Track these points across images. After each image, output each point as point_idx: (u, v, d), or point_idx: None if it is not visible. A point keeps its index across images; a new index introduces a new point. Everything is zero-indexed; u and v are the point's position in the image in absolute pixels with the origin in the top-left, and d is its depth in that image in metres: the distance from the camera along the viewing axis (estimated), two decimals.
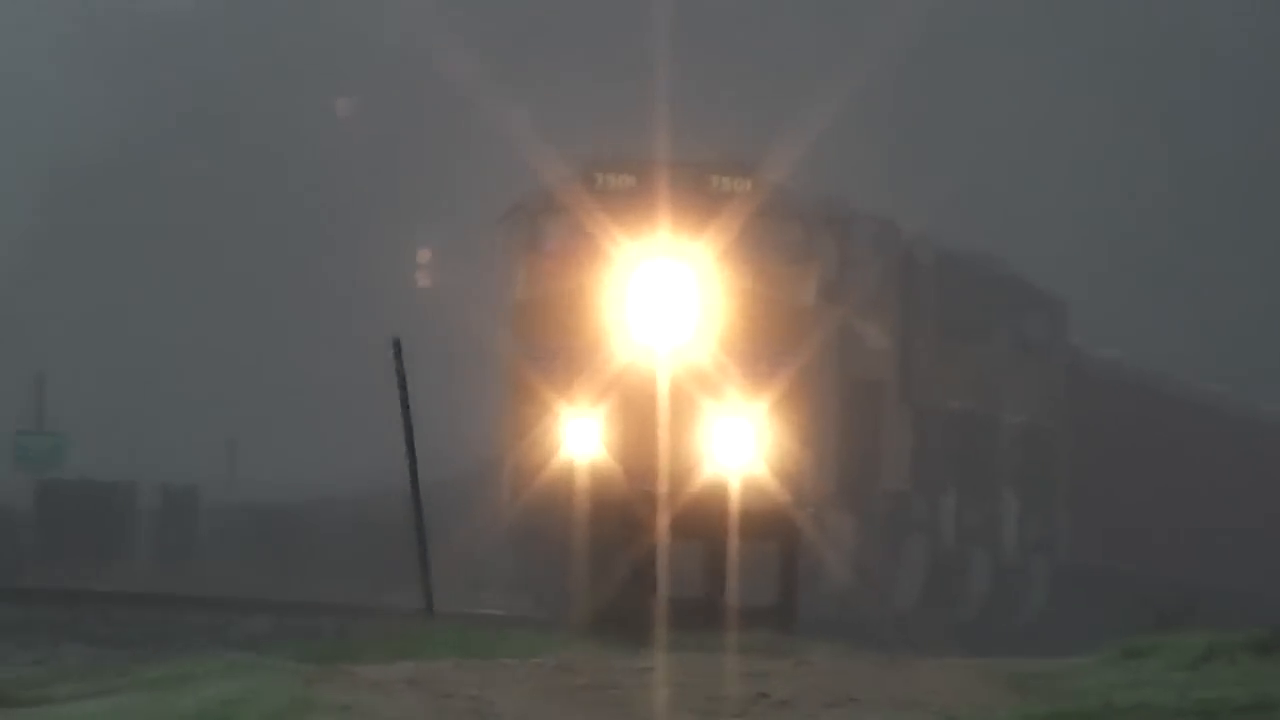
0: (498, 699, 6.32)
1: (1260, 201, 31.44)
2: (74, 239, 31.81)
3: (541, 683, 6.71)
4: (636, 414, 15.39)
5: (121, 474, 19.81)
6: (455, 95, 28.22)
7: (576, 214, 16.02)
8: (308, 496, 20.93)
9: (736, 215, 15.85)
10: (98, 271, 31.34)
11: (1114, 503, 20.52)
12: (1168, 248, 31.21)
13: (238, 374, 29.78)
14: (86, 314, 30.83)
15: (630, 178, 16.13)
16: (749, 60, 29.93)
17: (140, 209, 31.42)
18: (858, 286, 16.58)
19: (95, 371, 28.60)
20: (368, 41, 32.05)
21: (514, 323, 16.36)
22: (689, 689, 6.61)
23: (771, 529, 9.81)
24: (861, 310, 16.68)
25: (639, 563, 9.35)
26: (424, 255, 31.39)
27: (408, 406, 9.14)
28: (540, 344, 16.00)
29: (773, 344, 15.84)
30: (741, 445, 15.53)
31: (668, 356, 15.73)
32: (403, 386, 9.13)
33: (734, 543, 9.33)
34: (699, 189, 15.95)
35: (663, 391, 15.26)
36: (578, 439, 15.73)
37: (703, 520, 9.58)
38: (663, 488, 11.00)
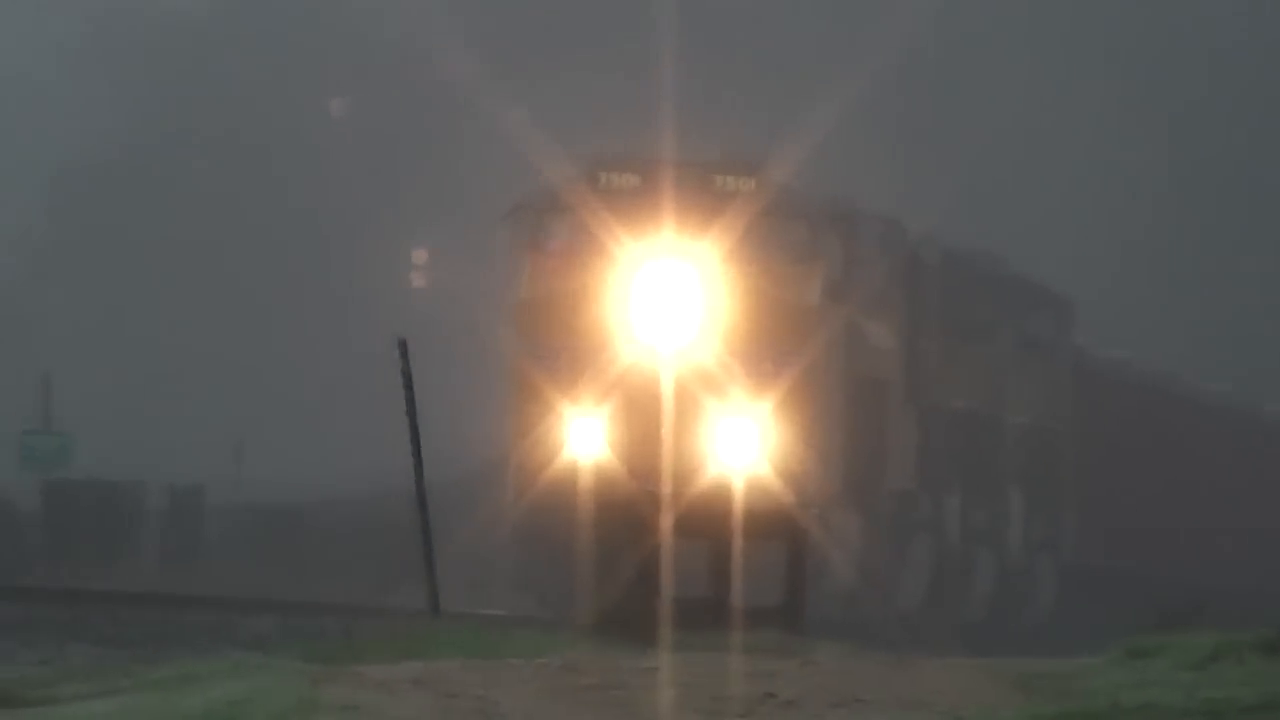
0: (503, 699, 6.31)
1: (1266, 201, 31.40)
2: (81, 240, 31.84)
3: (547, 683, 6.70)
4: (641, 414, 15.38)
5: (128, 474, 19.80)
6: (459, 95, 28.22)
7: (580, 213, 16.01)
8: (314, 496, 20.94)
9: (741, 214, 15.85)
10: (104, 272, 31.37)
11: (1120, 502, 20.49)
12: (1174, 247, 31.17)
13: (244, 374, 29.80)
14: (93, 314, 30.86)
15: (634, 177, 16.12)
16: (754, 59, 29.92)
17: (147, 210, 31.44)
18: (863, 286, 16.56)
19: (102, 371, 28.63)
20: (372, 42, 32.06)
21: (518, 322, 16.37)
22: (695, 689, 6.60)
23: (777, 529, 9.80)
24: (866, 310, 16.66)
25: (643, 563, 9.34)
26: (420, 255, 31.42)
27: (413, 406, 9.13)
28: (544, 343, 16.00)
29: (777, 343, 15.83)
30: (746, 445, 15.52)
31: (672, 356, 15.72)
32: (408, 387, 9.12)
33: (738, 543, 9.31)
34: (703, 188, 15.94)
35: (667, 391, 15.25)
36: (582, 439, 15.72)
37: (707, 520, 9.57)
38: (667, 488, 10.99)
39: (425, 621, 9.12)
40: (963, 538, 18.17)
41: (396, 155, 31.54)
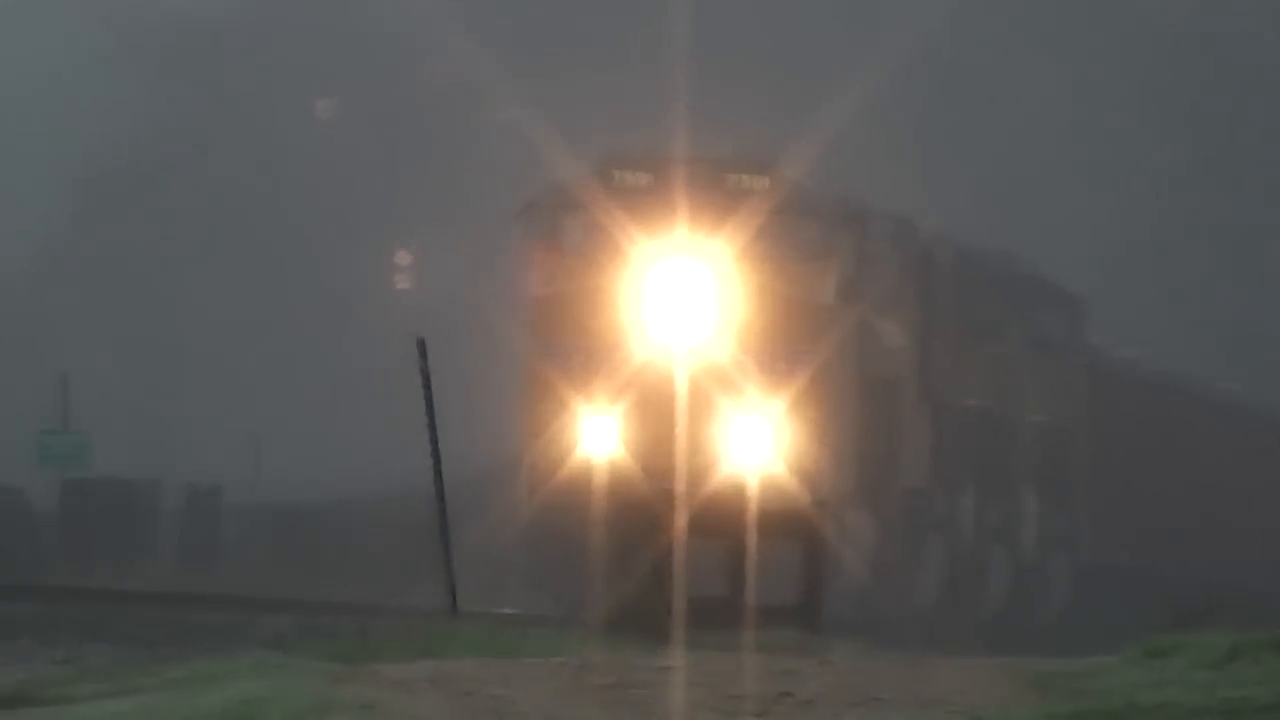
0: (520, 698, 6.32)
1: None
2: (99, 240, 31.94)
3: (564, 682, 6.71)
4: (654, 412, 15.39)
5: (145, 473, 19.79)
6: (473, 94, 28.22)
7: (593, 211, 16.02)
8: (331, 496, 20.96)
9: (754, 213, 15.85)
10: (122, 271, 31.47)
11: (1134, 501, 20.45)
12: (1188, 246, 31.08)
13: (261, 374, 29.86)
14: (111, 313, 30.95)
15: (647, 175, 16.13)
16: (767, 56, 29.89)
17: (165, 210, 31.53)
18: (876, 284, 16.55)
19: (120, 371, 28.71)
20: (387, 42, 32.11)
21: (531, 320, 16.38)
22: (711, 688, 6.61)
23: (792, 528, 9.80)
24: (880, 308, 16.65)
25: (658, 561, 9.34)
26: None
27: (432, 406, 9.15)
28: (558, 342, 16.02)
29: (790, 342, 15.83)
30: (759, 443, 15.52)
31: (686, 354, 15.72)
32: (427, 386, 9.13)
33: (752, 541, 9.32)
34: (716, 186, 15.94)
35: (681, 390, 15.25)
36: (596, 437, 15.74)
37: (721, 519, 9.57)
38: (681, 486, 10.99)
39: (442, 620, 9.14)
40: (977, 536, 18.14)
41: (411, 154, 31.59)
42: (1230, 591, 14.49)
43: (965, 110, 31.17)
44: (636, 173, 16.19)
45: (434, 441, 9.19)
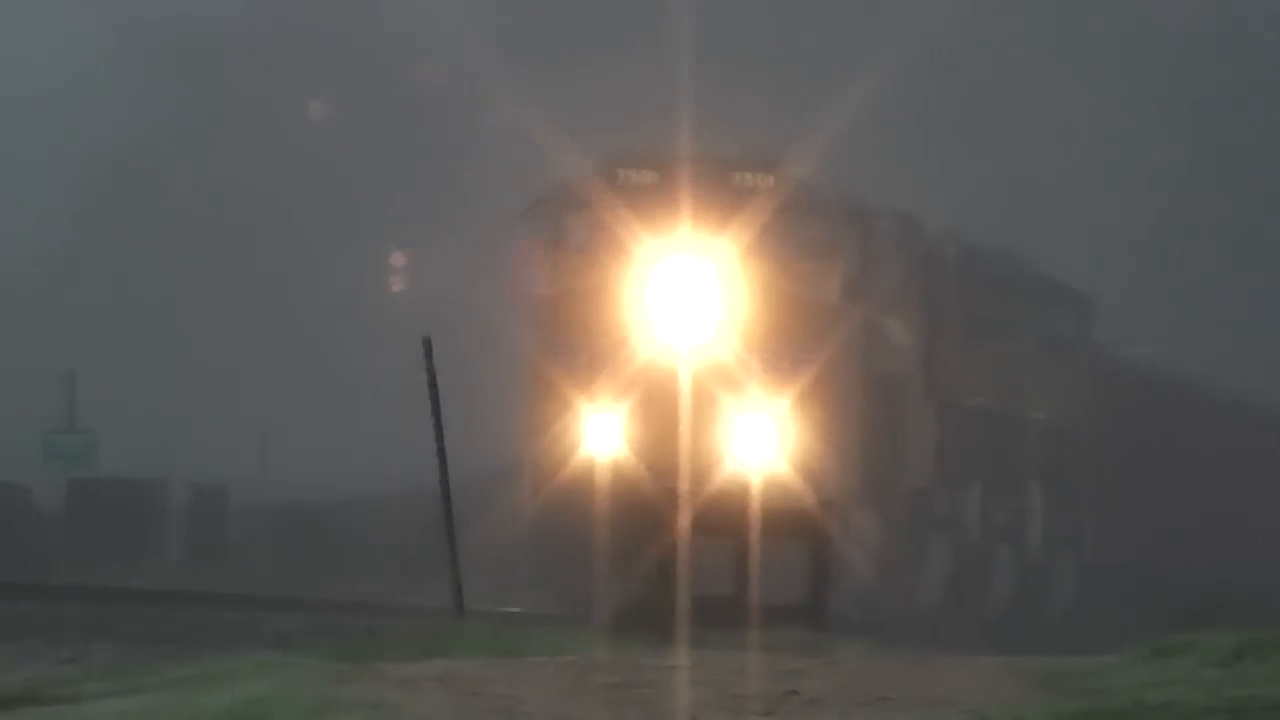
0: (527, 697, 6.32)
1: None
2: (105, 238, 31.96)
3: (570, 681, 6.71)
4: (658, 411, 15.39)
5: (152, 472, 19.82)
6: (478, 92, 28.20)
7: (598, 210, 16.01)
8: (337, 495, 20.96)
9: (759, 211, 15.85)
10: (128, 270, 31.48)
11: (1140, 500, 20.42)
12: (1195, 244, 31.04)
13: (268, 373, 29.88)
14: (117, 312, 30.97)
15: (652, 173, 16.12)
16: (772, 54, 29.87)
17: (171, 209, 31.54)
18: (881, 283, 16.54)
19: (126, 370, 28.72)
20: (392, 41, 32.11)
21: (535, 319, 16.37)
22: (718, 687, 6.60)
23: (796, 527, 9.79)
24: (885, 307, 16.64)
25: (662, 560, 9.34)
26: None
27: (438, 406, 9.14)
28: (562, 340, 16.02)
29: (795, 340, 15.82)
30: (763, 442, 15.51)
31: (690, 353, 15.71)
32: (433, 385, 9.13)
33: (756, 540, 9.31)
34: (721, 185, 15.94)
35: (685, 388, 15.24)
36: (600, 436, 15.73)
37: (726, 518, 9.56)
38: (685, 485, 10.98)
39: (448, 620, 9.14)
40: (982, 535, 18.13)
41: (416, 154, 31.59)
42: (1236, 590, 14.47)
43: (971, 108, 31.13)
44: (641, 171, 16.18)
45: (440, 440, 9.18)
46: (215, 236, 31.46)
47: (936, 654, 9.05)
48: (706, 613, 8.95)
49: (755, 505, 9.70)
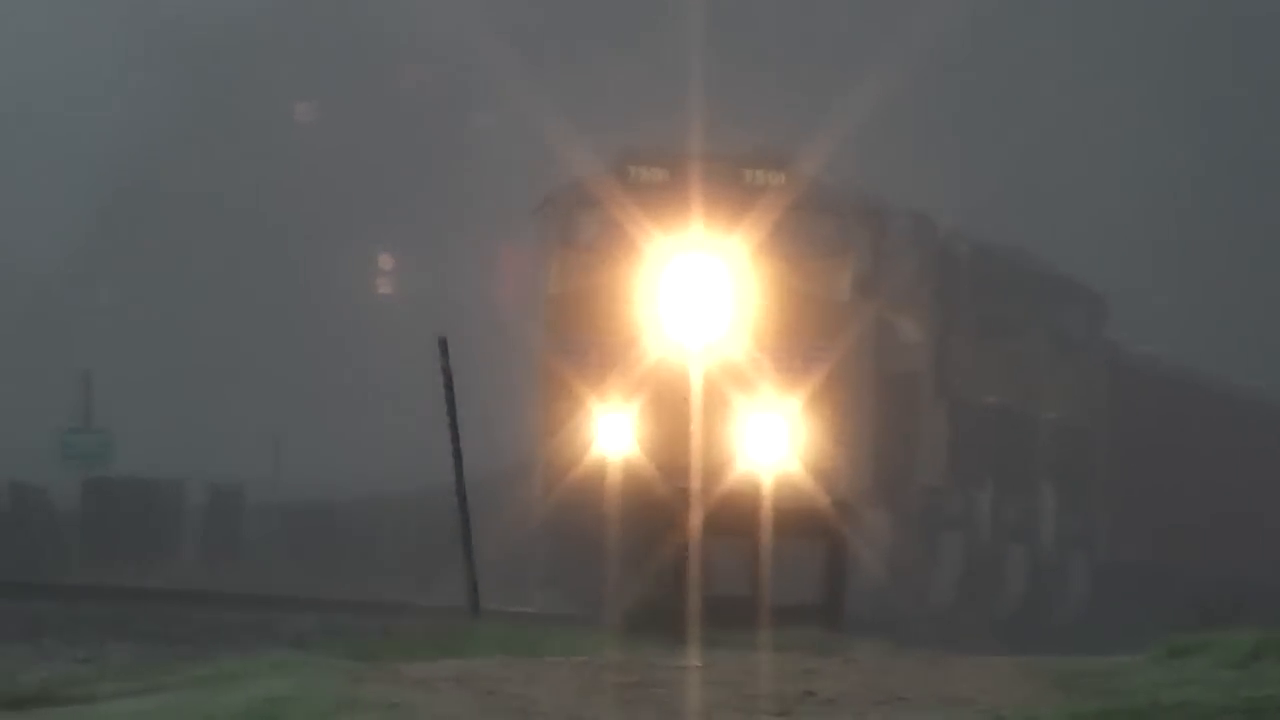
0: (543, 697, 6.32)
1: None
2: (122, 238, 32.04)
3: (586, 681, 6.70)
4: (670, 410, 15.36)
5: (168, 472, 19.80)
6: (488, 90, 28.21)
7: (609, 208, 15.98)
8: (352, 495, 20.98)
9: (770, 209, 15.81)
10: (145, 270, 31.55)
11: (1154, 498, 20.35)
12: (1208, 242, 30.94)
13: (283, 373, 29.93)
14: (134, 312, 31.03)
15: (663, 171, 16.09)
16: (784, 52, 29.83)
17: (188, 209, 31.60)
18: (893, 281, 16.50)
19: (142, 369, 28.78)
20: (399, 41, 32.13)
21: (547, 317, 16.35)
22: (734, 687, 6.60)
23: (810, 526, 9.77)
24: (896, 304, 16.60)
25: (674, 560, 9.32)
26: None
27: (454, 406, 9.13)
28: (573, 338, 16.00)
29: (807, 339, 15.79)
30: (776, 441, 15.48)
31: (701, 352, 15.69)
32: (449, 385, 9.12)
33: (767, 540, 9.29)
34: (733, 182, 15.90)
35: (696, 387, 15.22)
36: (611, 435, 15.70)
37: (737, 517, 9.54)
38: (696, 484, 10.97)
39: (464, 619, 9.13)
40: (994, 534, 18.08)
41: (429, 154, 31.61)
42: (1252, 590, 14.42)
43: (983, 106, 31.06)
44: (652, 169, 16.15)
45: (455, 440, 9.17)
46: (231, 238, 31.52)
47: (950, 653, 9.03)
48: (720, 613, 8.94)
49: (767, 505, 9.68)
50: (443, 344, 9.15)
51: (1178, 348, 23.02)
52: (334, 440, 26.67)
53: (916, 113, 27.92)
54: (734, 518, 9.55)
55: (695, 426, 14.72)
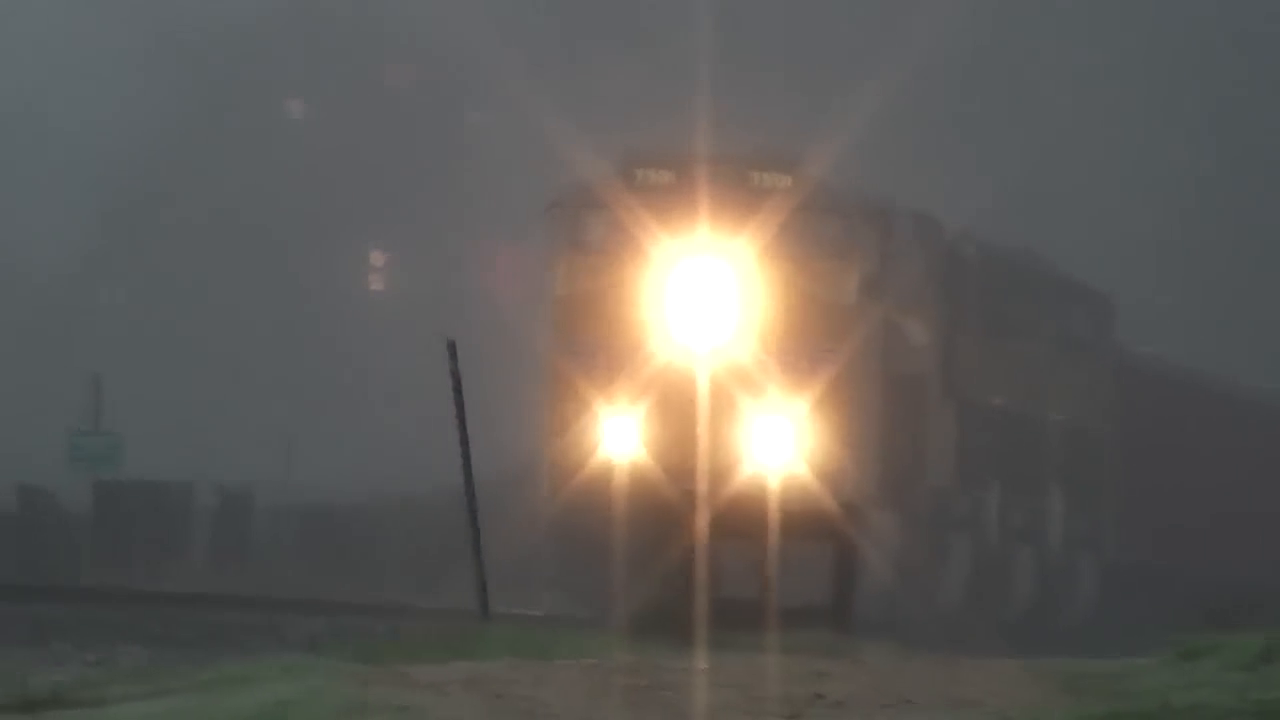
0: (552, 699, 6.33)
1: None
2: (131, 240, 32.09)
3: (596, 683, 6.71)
4: (676, 412, 15.36)
5: (177, 474, 19.81)
6: (496, 92, 28.23)
7: (616, 210, 15.99)
8: (362, 497, 20.98)
9: (777, 211, 15.80)
10: (154, 272, 31.59)
11: (1162, 500, 20.32)
12: (1215, 244, 30.90)
13: (292, 375, 29.95)
14: (143, 315, 31.07)
15: (670, 173, 16.09)
16: (790, 53, 29.83)
17: (197, 211, 31.65)
18: (899, 282, 16.48)
19: (152, 372, 28.81)
20: (406, 42, 32.16)
21: (554, 319, 16.36)
22: (743, 689, 6.60)
23: (817, 529, 9.77)
24: (903, 306, 16.59)
25: (680, 562, 9.33)
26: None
27: (462, 408, 9.14)
28: (580, 341, 16.00)
29: (813, 341, 15.78)
30: (782, 443, 15.47)
31: (708, 354, 15.68)
32: (457, 389, 9.12)
33: (774, 542, 9.29)
34: (739, 185, 15.90)
35: (702, 389, 15.21)
36: (617, 437, 15.70)
37: (744, 519, 9.54)
38: (702, 487, 10.97)
39: (473, 622, 9.14)
40: (1002, 536, 18.06)
41: (439, 156, 31.64)
42: (1262, 592, 14.39)
43: (989, 107, 31.03)
44: (659, 171, 16.16)
45: (464, 443, 9.18)
46: (240, 239, 31.55)
47: (958, 655, 9.02)
48: (728, 615, 8.93)
49: (774, 507, 9.67)
50: (451, 347, 9.15)
51: (1184, 349, 22.99)
52: (344, 442, 26.67)
53: (922, 114, 27.89)
54: (741, 520, 9.55)
55: (702, 429, 14.71)
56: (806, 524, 9.73)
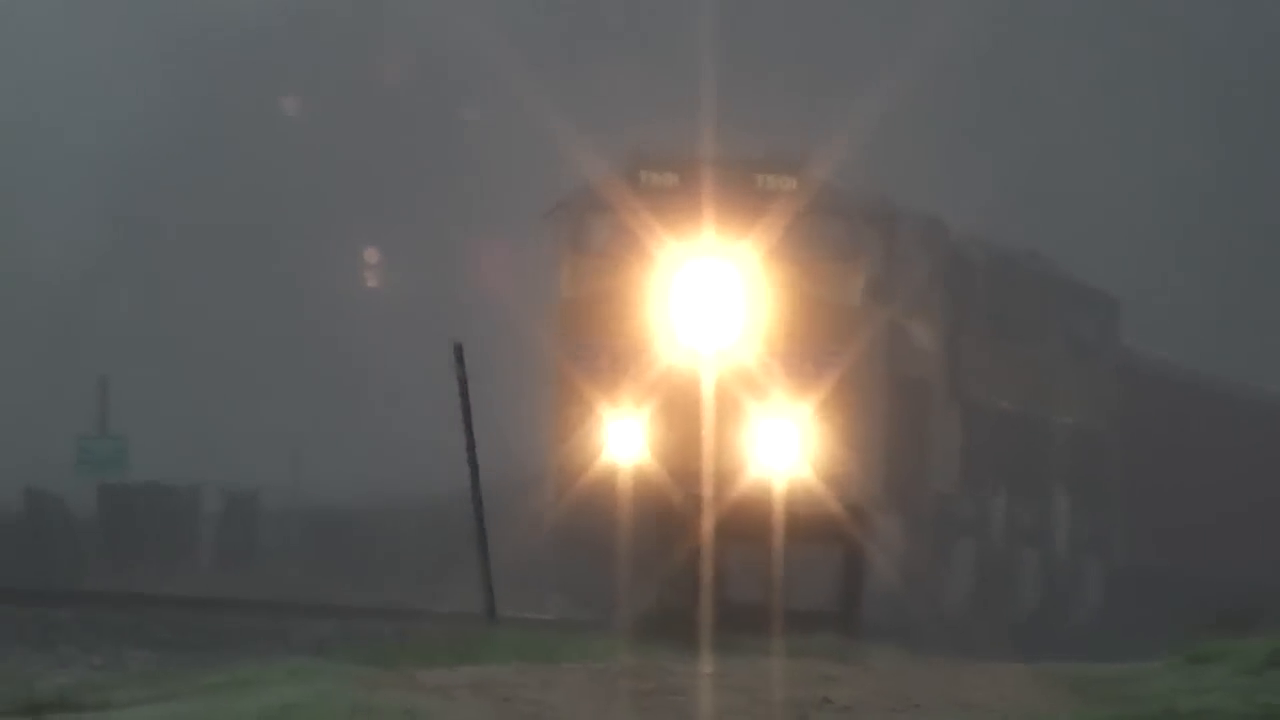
0: (559, 703, 6.32)
1: None
2: (138, 244, 32.12)
3: (603, 687, 6.71)
4: (680, 416, 15.34)
5: (184, 478, 19.77)
6: (500, 92, 28.25)
7: (621, 213, 15.98)
8: (369, 501, 20.98)
9: (782, 214, 15.78)
10: (161, 276, 31.62)
11: (1168, 503, 20.29)
12: (1222, 246, 30.86)
13: (299, 378, 29.97)
14: (150, 318, 31.09)
15: (675, 176, 16.08)
16: (796, 55, 29.81)
17: (204, 214, 31.68)
18: (905, 285, 16.47)
19: (158, 375, 28.84)
20: (415, 43, 32.18)
21: (558, 322, 16.35)
22: (751, 693, 6.59)
23: (824, 532, 9.76)
24: (909, 309, 16.57)
25: (686, 566, 9.32)
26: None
27: (469, 412, 9.13)
28: (584, 344, 15.98)
29: (818, 344, 15.75)
30: (787, 447, 15.46)
31: (712, 357, 15.67)
32: (464, 392, 9.12)
33: (779, 546, 9.28)
34: (744, 187, 15.88)
35: (707, 393, 15.20)
36: (622, 441, 15.70)
37: (750, 523, 9.53)
38: (708, 490, 10.94)
39: (480, 625, 9.13)
40: (1008, 539, 18.03)
41: (445, 158, 31.66)
42: (1267, 594, 14.37)
43: (996, 109, 31.01)
44: (664, 174, 16.14)
45: (471, 447, 9.17)
46: (247, 243, 31.57)
47: (964, 659, 9.01)
48: (735, 619, 8.92)
49: (780, 510, 9.66)
50: (458, 350, 9.14)
51: (1190, 350, 22.95)
52: (349, 446, 26.67)
53: (929, 116, 27.86)
54: (746, 523, 9.54)
55: (707, 432, 14.70)
56: (812, 527, 9.72)
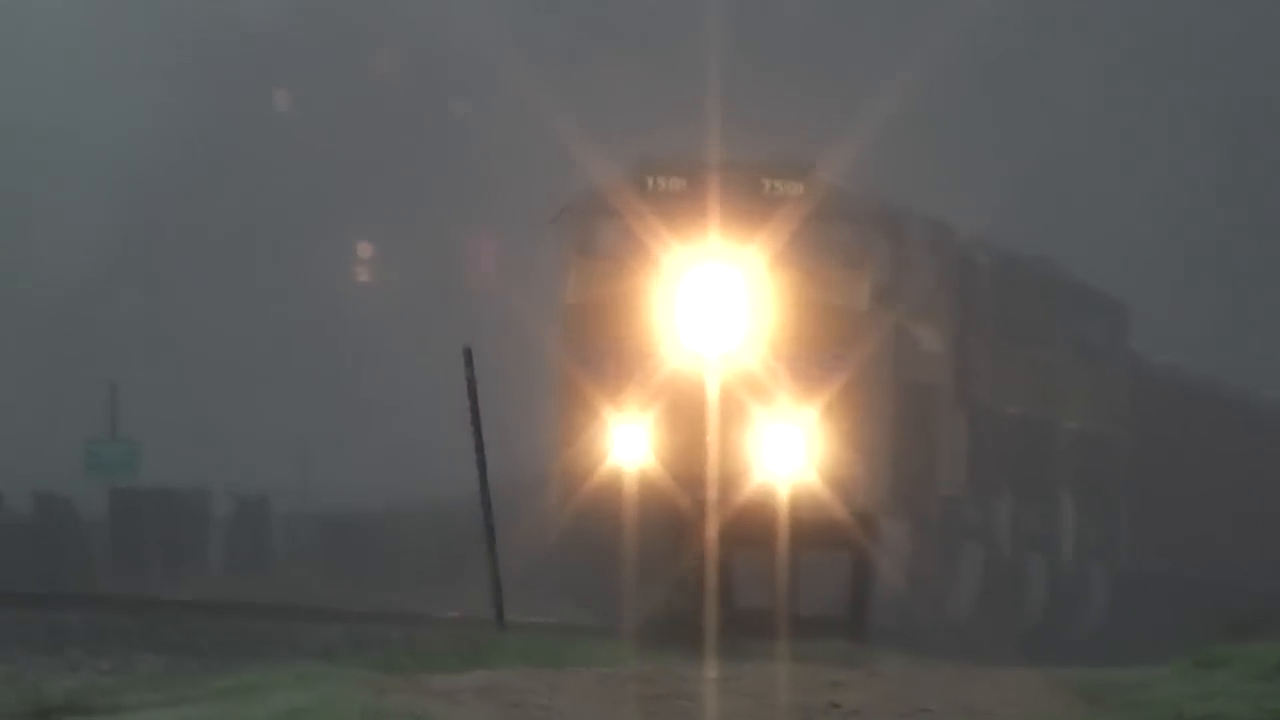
0: (567, 708, 6.32)
1: None
2: (148, 248, 32.17)
3: (611, 692, 6.71)
4: (687, 420, 15.34)
5: (194, 482, 19.81)
6: (509, 97, 28.28)
7: (627, 217, 15.99)
8: (378, 505, 20.99)
9: (789, 218, 15.79)
10: (172, 280, 31.66)
11: (1175, 508, 20.26)
12: (1229, 251, 30.81)
13: (309, 382, 29.99)
14: (160, 322, 31.14)
15: (682, 180, 16.09)
16: (803, 60, 29.81)
17: (214, 218, 31.72)
18: (912, 289, 16.46)
19: (168, 379, 28.88)
20: (420, 45, 32.20)
21: (564, 326, 16.36)
22: (759, 699, 6.60)
23: (830, 537, 9.75)
24: (916, 313, 16.56)
25: (691, 571, 9.31)
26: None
27: (478, 416, 9.14)
28: (590, 348, 15.99)
29: (825, 348, 15.75)
30: (793, 451, 15.45)
31: (719, 361, 15.67)
32: (473, 396, 9.12)
33: (784, 551, 9.27)
34: (751, 192, 15.89)
35: (713, 397, 15.20)
36: (627, 445, 15.70)
37: (755, 528, 9.53)
38: (713, 495, 10.93)
39: (488, 630, 9.13)
40: (1014, 544, 18.02)
41: (451, 162, 31.68)
42: (1275, 600, 14.33)
43: (1003, 114, 30.98)
44: (670, 178, 16.15)
45: (480, 450, 9.17)
46: (256, 248, 31.60)
47: (972, 664, 9.00)
48: (741, 624, 8.92)
49: (786, 515, 9.65)
50: (468, 354, 9.15)
51: (1198, 356, 22.91)
52: (358, 450, 26.68)
53: (935, 120, 27.83)
54: (752, 528, 9.53)
55: (712, 436, 14.69)
56: (819, 532, 9.71)
